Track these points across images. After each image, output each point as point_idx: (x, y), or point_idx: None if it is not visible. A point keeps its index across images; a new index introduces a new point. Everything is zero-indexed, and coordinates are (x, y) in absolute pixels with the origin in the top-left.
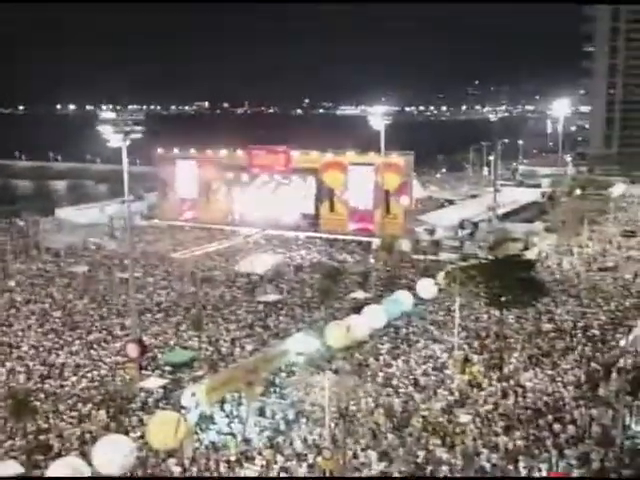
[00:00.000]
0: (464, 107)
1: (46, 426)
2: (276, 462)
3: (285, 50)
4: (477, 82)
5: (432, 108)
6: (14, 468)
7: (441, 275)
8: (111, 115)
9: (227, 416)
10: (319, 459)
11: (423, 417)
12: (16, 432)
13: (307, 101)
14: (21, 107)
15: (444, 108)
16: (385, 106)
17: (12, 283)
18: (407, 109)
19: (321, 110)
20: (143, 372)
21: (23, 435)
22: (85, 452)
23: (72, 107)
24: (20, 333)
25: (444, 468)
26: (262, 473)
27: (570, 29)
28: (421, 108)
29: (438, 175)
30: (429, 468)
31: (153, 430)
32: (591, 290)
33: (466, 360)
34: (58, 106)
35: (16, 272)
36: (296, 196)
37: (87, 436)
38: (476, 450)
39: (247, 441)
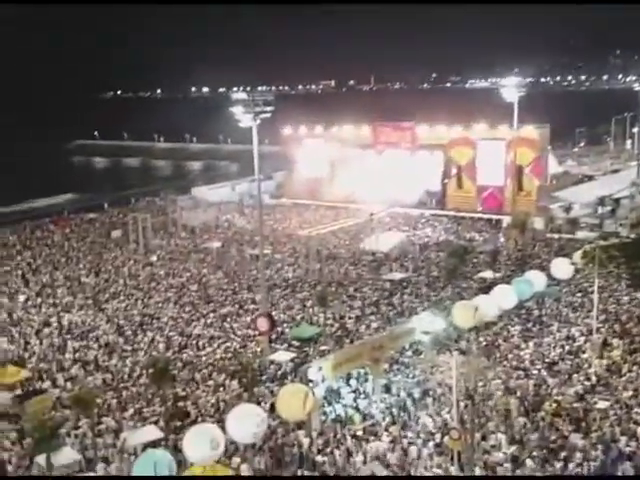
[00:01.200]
0: (605, 77)
1: (184, 394)
2: (405, 437)
3: (409, 24)
4: (619, 51)
5: (570, 78)
6: (154, 433)
7: (578, 255)
8: (242, 96)
9: (353, 391)
10: (446, 439)
11: (556, 402)
12: (156, 399)
13: (434, 75)
14: (159, 91)
15: (583, 78)
16: (518, 77)
17: (153, 258)
18: (542, 80)
19: (449, 84)
20: (272, 345)
21: (162, 402)
22: (220, 420)
23: (205, 89)
24: (160, 305)
25: (578, 454)
26: (389, 449)
27: None
28: (557, 78)
29: (576, 149)
30: (562, 454)
31: (282, 401)
32: None
33: (605, 344)
34: (193, 89)
35: (156, 247)
36: (422, 173)
37: (221, 405)
38: (613, 437)
39: (372, 417)
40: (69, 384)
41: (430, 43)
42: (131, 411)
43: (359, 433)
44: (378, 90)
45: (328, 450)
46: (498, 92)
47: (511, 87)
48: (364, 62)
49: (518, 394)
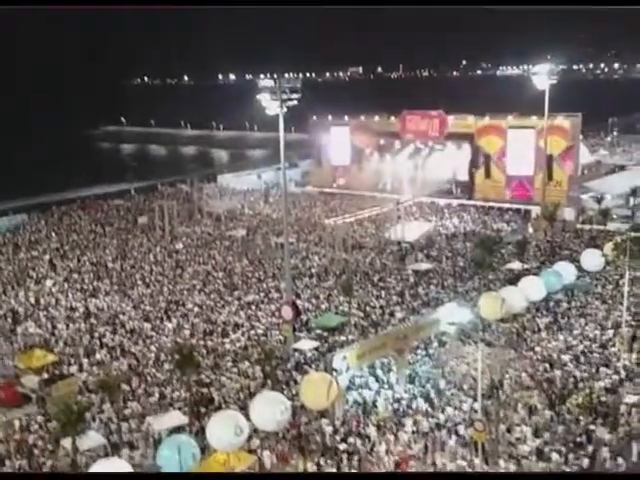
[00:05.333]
0: (639, 65)
1: (208, 380)
2: (429, 428)
3: (439, 10)
4: None
5: (603, 66)
6: (179, 418)
7: (609, 246)
8: (269, 83)
9: (377, 381)
10: (471, 431)
11: (584, 395)
12: (181, 384)
13: (464, 63)
14: (186, 78)
15: (616, 66)
16: (550, 64)
17: (179, 246)
18: (575, 67)
19: (479, 71)
20: (296, 334)
21: (187, 387)
22: (243, 406)
23: (232, 77)
24: (185, 292)
25: (605, 449)
26: (411, 439)
27: None
28: (590, 66)
29: (608, 138)
30: (589, 448)
31: (306, 390)
32: None
33: (634, 338)
34: (220, 76)
35: (182, 235)
36: (450, 162)
37: (245, 391)
38: None
39: (396, 406)
40: (95, 369)
41: (460, 29)
42: (156, 396)
43: (383, 423)
44: (407, 78)
45: (350, 439)
46: (529, 80)
47: (542, 75)
48: (393, 48)
49: (544, 387)
